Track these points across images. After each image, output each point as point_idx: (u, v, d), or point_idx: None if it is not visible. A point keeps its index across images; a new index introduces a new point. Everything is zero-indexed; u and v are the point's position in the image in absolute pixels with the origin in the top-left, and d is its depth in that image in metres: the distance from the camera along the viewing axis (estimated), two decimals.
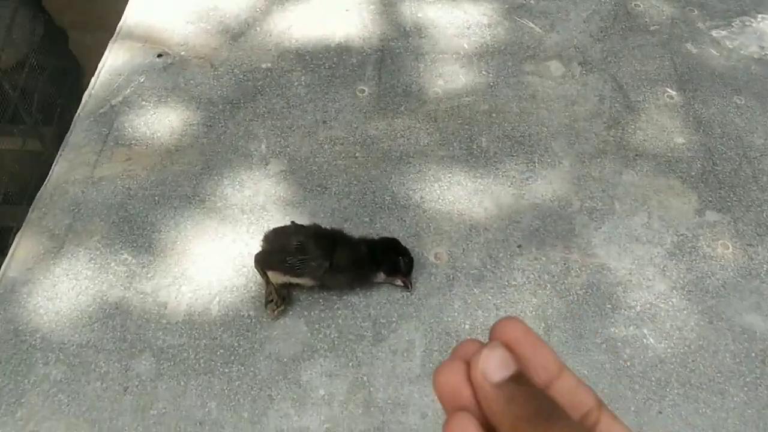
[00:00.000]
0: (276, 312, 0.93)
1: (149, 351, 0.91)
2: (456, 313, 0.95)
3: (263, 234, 0.97)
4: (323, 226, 0.97)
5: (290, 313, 0.95)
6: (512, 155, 1.17)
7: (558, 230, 1.06)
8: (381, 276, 0.96)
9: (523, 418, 0.29)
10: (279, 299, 0.94)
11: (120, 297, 0.97)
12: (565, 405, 0.30)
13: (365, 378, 0.88)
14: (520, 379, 0.30)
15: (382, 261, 0.95)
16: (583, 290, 0.99)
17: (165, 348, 0.91)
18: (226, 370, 0.89)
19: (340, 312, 0.95)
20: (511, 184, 1.12)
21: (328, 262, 0.91)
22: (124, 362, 0.90)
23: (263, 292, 0.96)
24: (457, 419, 0.29)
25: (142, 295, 0.97)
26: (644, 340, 0.93)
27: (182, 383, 0.88)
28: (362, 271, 0.95)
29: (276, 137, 1.19)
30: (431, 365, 0.89)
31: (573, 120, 1.23)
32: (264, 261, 0.95)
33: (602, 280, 0.99)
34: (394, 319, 0.94)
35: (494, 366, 0.30)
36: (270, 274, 0.94)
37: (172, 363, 0.90)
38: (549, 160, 1.16)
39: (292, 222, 1.01)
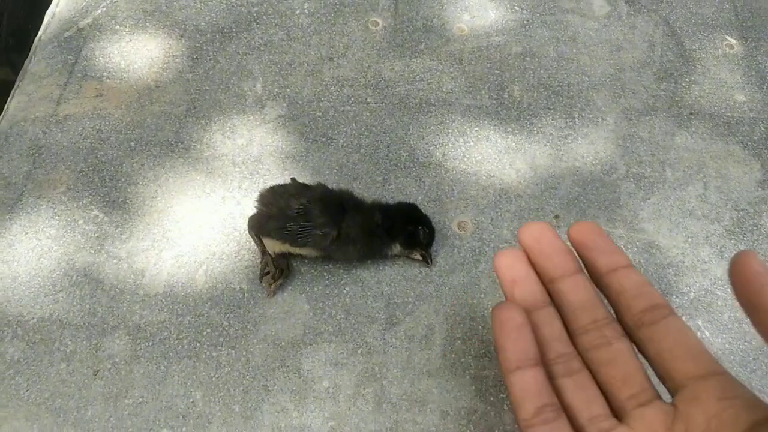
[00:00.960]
0: (273, 286, 0.80)
1: (124, 328, 0.78)
2: (483, 294, 0.82)
3: (258, 193, 0.82)
4: (330, 187, 0.82)
5: (289, 287, 0.81)
6: (549, 108, 1.01)
7: (601, 199, 0.92)
8: (396, 248, 0.82)
9: None
10: (277, 271, 0.80)
11: (89, 262, 0.82)
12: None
13: (377, 369, 0.76)
14: None
15: (399, 231, 0.81)
16: None
17: (142, 325, 0.78)
18: (214, 354, 0.76)
19: (347, 289, 0.82)
20: (548, 142, 0.97)
21: (336, 231, 0.77)
22: (94, 341, 0.77)
23: (258, 261, 0.82)
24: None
25: (115, 261, 0.83)
26: (699, 333, 0.81)
27: (162, 368, 0.75)
28: (375, 243, 0.80)
29: (274, 75, 1.02)
30: (453, 356, 0.77)
31: (619, 69, 1.06)
32: (259, 226, 0.80)
33: (651, 261, 0.86)
34: (410, 299, 0.81)
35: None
36: (266, 241, 0.80)
37: (150, 343, 0.77)
38: (591, 116, 1.00)
39: (293, 179, 0.86)
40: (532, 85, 1.03)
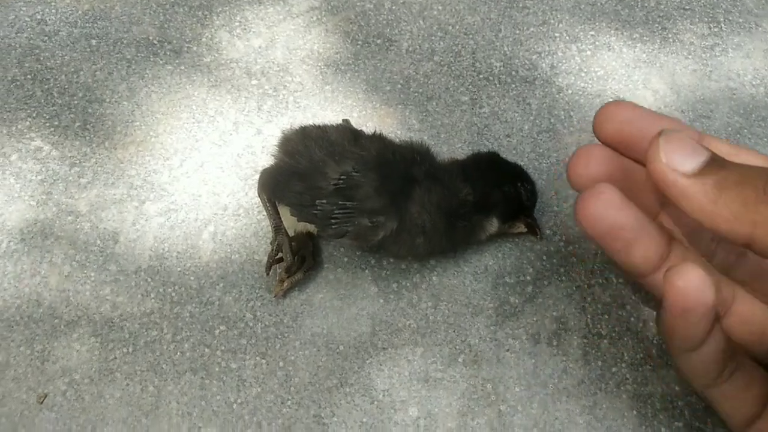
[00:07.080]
0: (286, 284, 0.50)
1: (87, 324, 0.49)
2: None
3: (281, 133, 0.52)
4: (395, 141, 0.52)
5: (345, 259, 0.53)
6: (684, 8, 0.73)
7: None
8: (494, 227, 0.52)
9: (754, 201, 0.23)
10: (295, 261, 0.50)
11: (29, 220, 0.53)
12: None
13: (489, 386, 0.49)
14: (717, 163, 0.24)
15: (492, 199, 0.51)
16: None
17: (116, 320, 0.49)
18: (234, 366, 0.48)
19: (433, 262, 0.54)
20: (690, 54, 0.69)
21: (396, 221, 0.47)
22: (39, 346, 0.48)
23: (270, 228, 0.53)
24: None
25: (71, 217, 0.53)
26: None
27: (151, 389, 0.47)
28: (460, 229, 0.51)
29: None
30: (600, 363, 0.50)
31: None
32: (274, 187, 0.50)
33: None
34: (528, 277, 0.54)
35: (681, 154, 0.24)
36: (283, 211, 0.51)
37: (129, 349, 0.48)
38: (741, 21, 0.73)
39: (346, 121, 0.57)
40: None
